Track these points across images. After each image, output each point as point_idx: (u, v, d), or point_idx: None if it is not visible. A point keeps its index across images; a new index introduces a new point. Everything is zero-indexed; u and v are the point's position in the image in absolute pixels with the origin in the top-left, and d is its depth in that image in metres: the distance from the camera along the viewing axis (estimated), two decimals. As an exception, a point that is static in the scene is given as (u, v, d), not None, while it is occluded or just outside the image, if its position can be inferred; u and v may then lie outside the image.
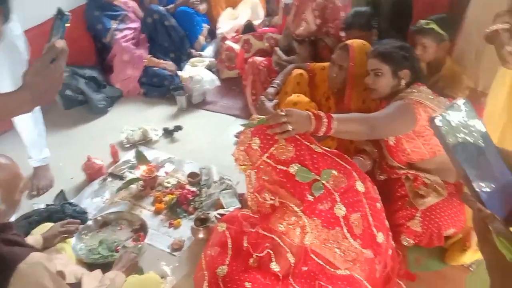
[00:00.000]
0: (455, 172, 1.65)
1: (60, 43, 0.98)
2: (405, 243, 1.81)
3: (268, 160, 1.50)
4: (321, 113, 1.51)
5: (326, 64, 2.31)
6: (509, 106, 1.65)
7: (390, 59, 1.81)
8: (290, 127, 1.44)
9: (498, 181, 0.64)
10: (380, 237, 1.52)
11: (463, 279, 1.29)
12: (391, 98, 1.84)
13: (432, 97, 1.76)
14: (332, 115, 1.53)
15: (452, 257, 1.83)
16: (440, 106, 1.72)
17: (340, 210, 1.45)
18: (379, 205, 1.56)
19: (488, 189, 0.62)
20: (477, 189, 0.61)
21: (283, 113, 1.45)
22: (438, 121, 0.62)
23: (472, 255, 1.79)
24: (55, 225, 1.79)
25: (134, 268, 1.73)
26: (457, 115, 0.64)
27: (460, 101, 0.66)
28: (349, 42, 2.13)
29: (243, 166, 1.58)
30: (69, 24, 1.00)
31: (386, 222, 1.60)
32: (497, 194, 0.63)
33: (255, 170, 1.55)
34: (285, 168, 1.47)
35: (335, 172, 1.48)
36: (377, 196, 1.57)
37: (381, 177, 1.99)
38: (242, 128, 1.68)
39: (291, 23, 2.89)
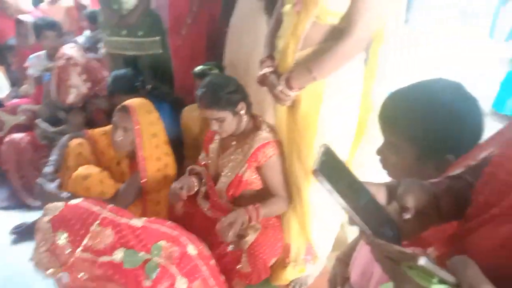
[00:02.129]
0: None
1: None
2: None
3: (84, 254, 1.26)
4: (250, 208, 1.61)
5: (107, 128, 2.15)
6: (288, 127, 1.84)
7: (224, 103, 1.77)
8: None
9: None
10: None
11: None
12: (246, 135, 1.85)
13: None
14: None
15: (276, 276, 1.93)
16: None
17: (183, 284, 1.33)
18: (212, 262, 1.51)
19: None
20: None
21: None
22: (319, 178, 0.61)
23: (293, 271, 1.92)
24: None
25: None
26: (328, 159, 0.64)
27: (322, 148, 0.67)
28: (128, 102, 2.04)
29: (50, 271, 1.28)
30: None
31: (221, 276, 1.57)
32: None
33: (68, 272, 1.28)
34: (108, 258, 1.26)
35: (164, 243, 1.35)
36: (209, 252, 1.52)
37: (208, 212, 1.95)
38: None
39: (55, 93, 2.60)
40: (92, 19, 3.52)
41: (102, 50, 3.10)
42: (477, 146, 0.75)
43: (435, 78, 1.00)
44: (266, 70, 1.69)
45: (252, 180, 1.86)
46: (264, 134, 1.83)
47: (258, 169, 1.85)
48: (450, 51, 5.47)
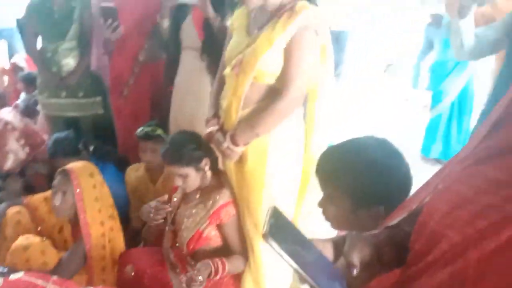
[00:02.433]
0: None
1: None
2: None
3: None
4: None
5: (48, 193, 2.07)
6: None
7: (187, 160, 1.77)
8: None
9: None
10: None
11: None
12: (211, 190, 1.83)
13: None
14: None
15: None
16: None
17: None
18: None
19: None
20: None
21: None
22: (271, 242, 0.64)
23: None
24: None
25: None
26: (281, 224, 0.68)
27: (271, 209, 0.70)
28: (69, 166, 1.99)
29: None
30: None
31: None
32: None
33: None
34: None
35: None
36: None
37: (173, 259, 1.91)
38: None
39: (-9, 159, 2.48)
40: (29, 81, 3.45)
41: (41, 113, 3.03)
42: (412, 195, 0.83)
43: (364, 136, 1.12)
44: (212, 128, 1.77)
45: (211, 237, 1.85)
46: (228, 193, 1.84)
47: (219, 227, 1.84)
48: (379, 101, 5.90)
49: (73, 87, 2.84)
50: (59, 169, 1.99)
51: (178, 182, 1.81)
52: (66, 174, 1.94)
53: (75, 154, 2.37)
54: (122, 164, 2.55)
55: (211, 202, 1.81)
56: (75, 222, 1.98)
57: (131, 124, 2.71)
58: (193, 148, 1.80)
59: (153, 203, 1.93)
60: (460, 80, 3.83)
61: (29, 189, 2.41)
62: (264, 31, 1.61)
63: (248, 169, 1.74)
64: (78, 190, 1.92)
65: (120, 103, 2.77)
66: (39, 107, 3.12)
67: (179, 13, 2.35)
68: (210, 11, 2.06)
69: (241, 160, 1.74)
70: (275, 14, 1.60)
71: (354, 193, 1.03)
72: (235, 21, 1.80)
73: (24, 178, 2.51)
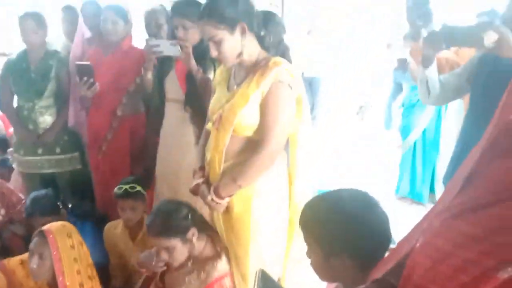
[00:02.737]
0: None
1: None
2: None
3: None
4: None
5: (25, 256, 2.00)
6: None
7: (173, 231, 1.74)
8: None
9: None
10: None
11: None
12: (205, 260, 1.79)
13: None
14: None
15: None
16: None
17: None
18: None
19: None
20: None
21: None
22: None
23: None
24: None
25: None
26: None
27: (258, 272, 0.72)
28: (45, 227, 1.94)
29: None
30: None
31: None
32: None
33: None
34: None
35: None
36: None
37: None
38: None
39: (-35, 223, 2.40)
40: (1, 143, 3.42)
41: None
42: (395, 248, 0.86)
43: (347, 189, 1.18)
44: (198, 180, 1.79)
45: None
46: (224, 265, 1.79)
47: None
48: (353, 142, 6.02)
49: (50, 143, 2.82)
50: (36, 231, 1.95)
51: (164, 255, 1.76)
52: (43, 235, 1.90)
53: (54, 212, 2.32)
54: (100, 222, 2.51)
55: (205, 274, 1.76)
56: (54, 285, 1.91)
57: (109, 179, 2.69)
58: (179, 218, 1.77)
59: (154, 250, 1.87)
60: (424, 117, 3.97)
61: (6, 252, 2.33)
62: (241, 87, 1.67)
63: (234, 220, 1.76)
64: (55, 252, 1.87)
65: (98, 158, 2.75)
66: (14, 165, 3.07)
67: (163, 67, 2.42)
68: (193, 64, 2.12)
69: (227, 210, 1.76)
70: (251, 70, 1.67)
71: (323, 242, 1.09)
72: (217, 76, 1.88)
73: (1, 240, 2.42)
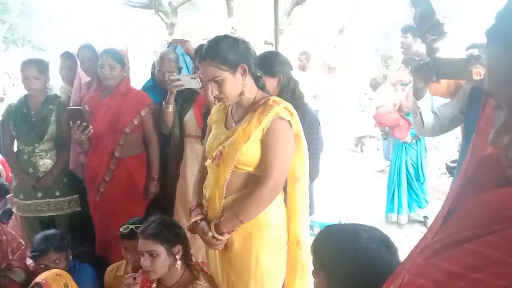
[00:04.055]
0: None
1: None
2: None
3: None
4: None
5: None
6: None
7: (163, 238, 1.80)
8: None
9: None
10: None
11: None
12: (182, 285, 1.79)
13: None
14: None
15: None
16: None
17: None
18: None
19: None
20: None
21: None
22: None
23: None
24: None
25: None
26: None
27: None
28: (40, 278, 1.94)
29: None
30: None
31: None
32: None
33: None
34: None
35: None
36: None
37: None
38: None
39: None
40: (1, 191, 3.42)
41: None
42: (384, 285, 0.85)
43: (355, 223, 1.17)
44: (197, 218, 1.79)
45: None
46: (202, 286, 1.82)
47: None
48: (353, 173, 5.99)
49: (50, 186, 2.83)
50: (33, 282, 1.93)
51: (146, 261, 1.81)
52: (40, 286, 1.88)
53: (65, 249, 2.32)
54: (100, 265, 2.46)
55: None
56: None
57: (108, 221, 2.69)
58: (171, 230, 1.86)
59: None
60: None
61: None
62: (241, 124, 1.71)
63: (234, 257, 1.76)
64: None
65: (96, 200, 2.75)
66: (13, 209, 3.06)
67: (183, 105, 2.70)
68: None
69: (226, 246, 1.76)
70: (250, 108, 1.73)
71: (328, 273, 1.08)
72: (213, 115, 1.92)
73: (-2, 288, 2.38)
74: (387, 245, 1.11)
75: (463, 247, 0.56)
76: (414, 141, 4.06)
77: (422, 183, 4.10)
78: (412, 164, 4.09)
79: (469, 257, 0.55)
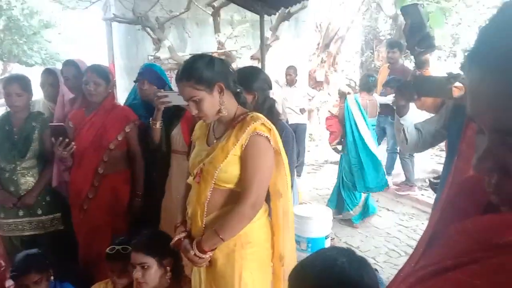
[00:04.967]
0: None
1: None
2: None
3: None
4: None
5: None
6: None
7: (154, 250, 1.81)
8: None
9: None
10: None
11: None
12: None
13: None
14: None
15: None
16: None
17: None
18: None
19: None
20: None
21: None
22: None
23: None
24: None
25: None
26: None
27: None
28: None
29: None
30: None
31: None
32: None
33: None
34: None
35: None
36: None
37: None
38: None
39: None
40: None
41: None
42: None
43: (330, 248, 1.18)
44: (180, 235, 1.78)
45: None
46: None
47: None
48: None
49: (32, 205, 2.78)
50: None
51: (138, 273, 1.82)
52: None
53: (47, 270, 2.23)
54: (83, 283, 2.41)
55: None
56: None
57: (92, 239, 2.64)
58: (161, 243, 1.87)
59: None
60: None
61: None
62: (221, 141, 1.71)
63: (218, 272, 1.74)
64: None
65: (80, 217, 2.70)
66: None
67: (171, 121, 2.70)
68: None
69: (210, 264, 1.75)
70: (230, 124, 1.73)
71: None
72: (197, 131, 1.91)
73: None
74: (365, 267, 1.12)
75: (447, 276, 0.55)
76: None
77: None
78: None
79: (452, 286, 0.54)
